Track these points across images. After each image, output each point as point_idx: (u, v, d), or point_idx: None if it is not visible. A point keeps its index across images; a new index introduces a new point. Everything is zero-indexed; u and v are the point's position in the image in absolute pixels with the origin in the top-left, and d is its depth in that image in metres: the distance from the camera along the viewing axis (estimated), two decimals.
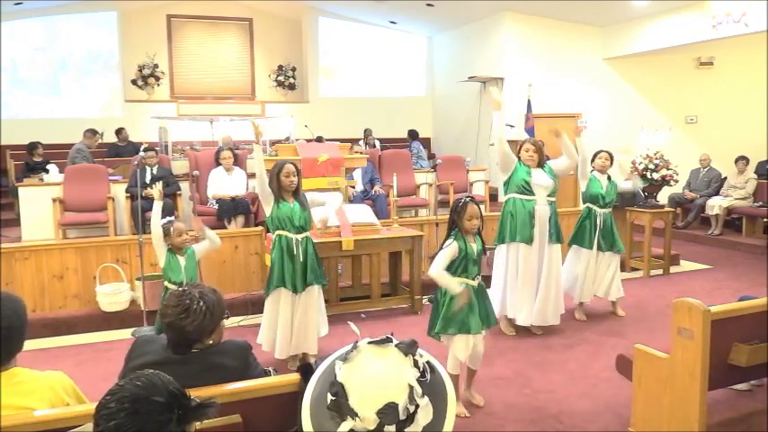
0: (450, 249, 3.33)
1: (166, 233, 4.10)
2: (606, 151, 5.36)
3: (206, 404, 1.33)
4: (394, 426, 1.06)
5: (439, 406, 1.13)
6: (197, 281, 4.06)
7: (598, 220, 5.15)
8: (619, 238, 5.30)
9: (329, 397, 1.10)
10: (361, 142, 10.93)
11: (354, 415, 1.07)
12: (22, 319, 1.89)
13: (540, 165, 4.68)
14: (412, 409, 1.08)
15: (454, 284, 3.31)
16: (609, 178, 5.30)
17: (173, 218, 4.24)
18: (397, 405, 1.07)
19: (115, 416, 1.25)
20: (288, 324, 4.07)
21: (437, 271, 3.31)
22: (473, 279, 3.40)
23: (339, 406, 1.09)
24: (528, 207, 4.58)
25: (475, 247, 3.40)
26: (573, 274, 5.22)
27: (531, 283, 4.65)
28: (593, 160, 5.27)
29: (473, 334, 3.37)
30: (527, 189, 4.60)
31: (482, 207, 5.00)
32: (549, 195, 4.66)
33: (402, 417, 1.07)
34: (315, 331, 4.16)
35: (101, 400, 1.30)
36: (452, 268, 3.37)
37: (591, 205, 5.21)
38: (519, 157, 4.72)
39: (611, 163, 5.38)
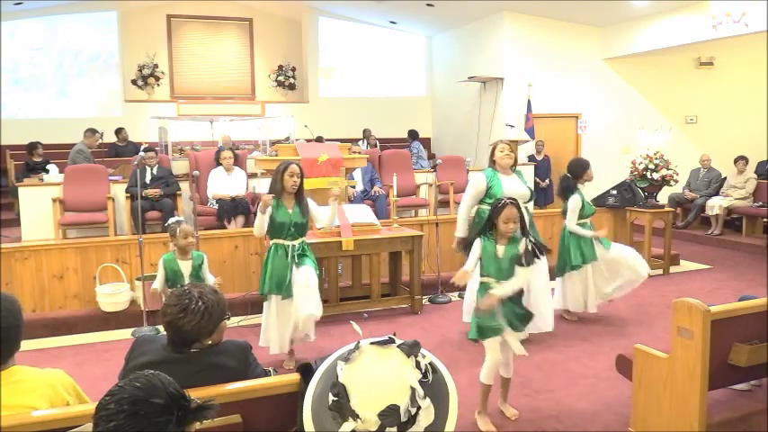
0: (476, 249, 3.26)
1: (172, 234, 4.09)
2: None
3: (205, 405, 1.32)
4: (395, 427, 1.06)
5: (441, 407, 1.13)
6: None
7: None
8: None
9: (331, 397, 1.10)
10: (360, 142, 10.94)
11: (356, 416, 1.07)
12: (18, 318, 1.89)
13: (513, 167, 4.59)
14: (413, 410, 1.08)
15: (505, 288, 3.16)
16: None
17: (181, 218, 4.21)
18: (399, 407, 1.07)
19: (114, 417, 1.25)
20: (283, 324, 4.11)
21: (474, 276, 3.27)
22: (499, 282, 3.23)
23: (340, 407, 1.08)
24: None
25: (504, 250, 3.22)
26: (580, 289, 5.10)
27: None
28: (583, 174, 5.07)
29: (503, 336, 3.22)
30: None
31: None
32: (525, 203, 4.50)
33: (403, 418, 1.07)
34: (307, 308, 4.01)
35: (100, 401, 1.30)
36: (481, 269, 3.28)
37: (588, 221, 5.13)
38: (494, 162, 4.58)
39: None
